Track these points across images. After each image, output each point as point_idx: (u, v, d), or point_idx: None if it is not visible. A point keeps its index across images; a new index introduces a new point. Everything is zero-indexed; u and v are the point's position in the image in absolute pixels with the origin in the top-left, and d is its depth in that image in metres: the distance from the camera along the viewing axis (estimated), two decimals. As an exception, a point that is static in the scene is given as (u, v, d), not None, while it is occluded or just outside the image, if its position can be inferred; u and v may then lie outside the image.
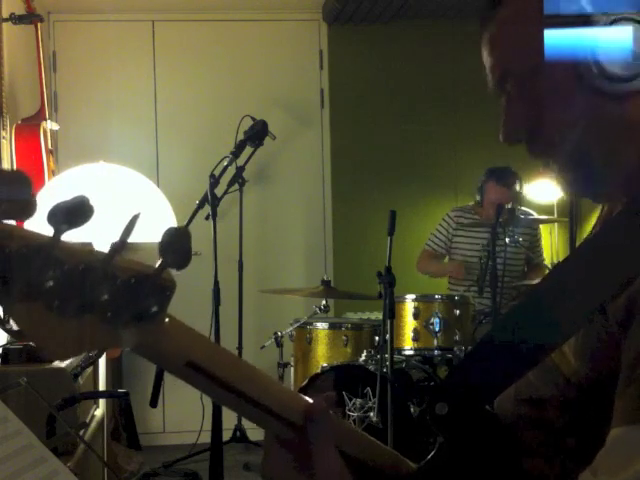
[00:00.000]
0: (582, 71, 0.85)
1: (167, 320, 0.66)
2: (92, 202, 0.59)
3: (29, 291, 0.57)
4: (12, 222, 0.58)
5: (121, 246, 0.60)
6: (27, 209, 0.57)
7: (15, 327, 0.58)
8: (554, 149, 0.91)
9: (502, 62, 0.93)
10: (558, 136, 0.90)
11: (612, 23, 0.84)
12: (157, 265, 0.62)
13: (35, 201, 0.58)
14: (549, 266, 4.33)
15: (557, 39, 0.86)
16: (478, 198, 4.17)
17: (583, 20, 0.85)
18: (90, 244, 0.63)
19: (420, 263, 4.35)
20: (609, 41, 0.84)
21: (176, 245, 0.62)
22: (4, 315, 0.59)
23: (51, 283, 0.57)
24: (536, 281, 4.03)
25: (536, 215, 4.21)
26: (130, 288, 0.61)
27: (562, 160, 0.92)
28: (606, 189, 0.93)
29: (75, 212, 0.57)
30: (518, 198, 4.09)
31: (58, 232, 0.57)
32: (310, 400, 0.80)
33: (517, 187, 4.06)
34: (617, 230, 0.86)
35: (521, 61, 0.90)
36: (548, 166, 0.95)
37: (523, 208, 4.16)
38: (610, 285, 0.81)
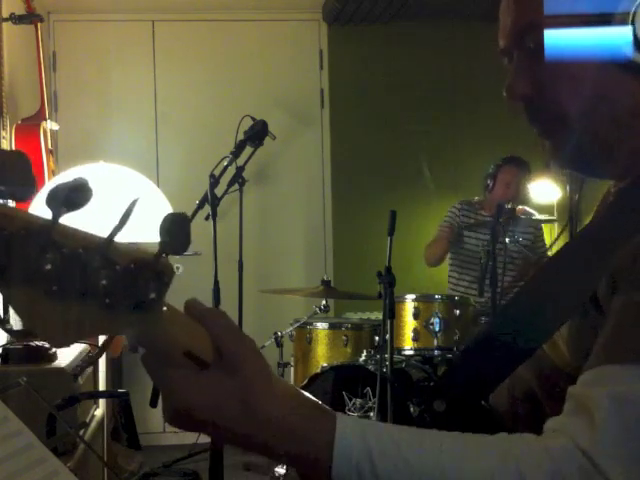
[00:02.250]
0: (617, 42, 0.82)
1: (166, 309, 0.66)
2: (91, 184, 0.58)
3: (27, 275, 0.56)
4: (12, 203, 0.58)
5: (119, 229, 0.59)
6: (26, 190, 0.57)
7: (15, 322, 0.58)
8: (561, 116, 0.88)
9: (529, 14, 0.89)
10: (570, 103, 0.87)
11: None
12: (157, 252, 0.62)
13: (34, 181, 0.57)
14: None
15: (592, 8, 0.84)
16: (489, 182, 4.12)
17: None
18: None
19: (425, 254, 4.25)
20: None
21: (174, 230, 0.61)
22: (4, 309, 0.58)
23: (49, 267, 0.56)
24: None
25: (537, 215, 4.20)
26: (129, 274, 0.60)
27: (566, 129, 0.89)
28: (602, 167, 0.91)
29: (74, 194, 0.57)
30: (525, 193, 4.07)
31: (57, 214, 0.57)
32: (309, 395, 0.80)
33: (527, 180, 4.06)
34: (608, 220, 0.85)
35: (549, 16, 0.86)
36: (546, 133, 0.92)
37: (526, 208, 4.15)
38: (599, 274, 0.81)
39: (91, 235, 0.60)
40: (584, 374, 0.76)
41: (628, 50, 0.83)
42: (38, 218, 0.57)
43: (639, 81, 0.85)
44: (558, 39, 0.86)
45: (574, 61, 0.87)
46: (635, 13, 0.83)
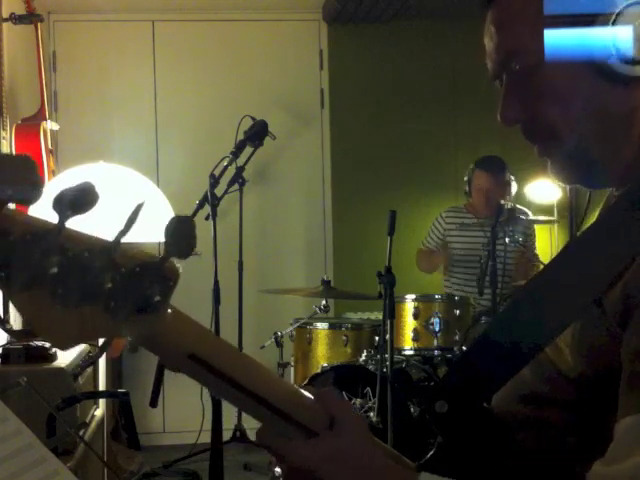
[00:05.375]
0: (598, 54, 0.84)
1: (170, 311, 0.66)
2: (96, 189, 0.58)
3: (33, 278, 0.57)
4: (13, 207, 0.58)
5: (125, 233, 0.59)
6: (33, 193, 0.57)
7: (15, 322, 0.58)
8: (555, 135, 0.90)
9: (511, 40, 0.90)
10: (562, 122, 0.88)
11: (629, 6, 0.83)
12: (161, 255, 0.62)
13: (42, 185, 0.57)
14: (544, 262, 4.31)
15: (573, 22, 0.85)
16: (467, 189, 4.16)
17: (599, 4, 0.84)
18: None
19: (417, 262, 4.37)
20: (627, 24, 0.83)
21: (179, 233, 0.61)
22: (4, 309, 0.59)
23: (55, 270, 0.57)
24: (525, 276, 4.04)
25: (530, 214, 4.21)
26: (134, 277, 0.60)
27: (562, 147, 0.90)
28: (604, 177, 0.92)
29: (80, 198, 0.57)
30: (508, 188, 4.04)
31: (63, 218, 0.57)
32: (310, 395, 0.80)
33: (506, 176, 4.04)
34: (609, 223, 0.86)
35: (533, 40, 0.87)
36: (544, 152, 0.93)
37: (518, 206, 4.15)
38: (604, 276, 0.81)
39: (97, 238, 0.60)
40: (629, 419, 0.76)
41: (615, 61, 0.84)
42: (44, 222, 0.58)
43: (628, 90, 0.86)
44: (543, 59, 0.87)
45: (562, 78, 0.87)
46: (619, 26, 0.83)
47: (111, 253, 0.59)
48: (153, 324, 0.63)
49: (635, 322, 0.78)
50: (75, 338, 0.60)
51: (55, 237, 0.57)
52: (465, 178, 4.17)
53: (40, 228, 0.57)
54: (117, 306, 0.60)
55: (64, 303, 0.58)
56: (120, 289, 0.60)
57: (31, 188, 0.57)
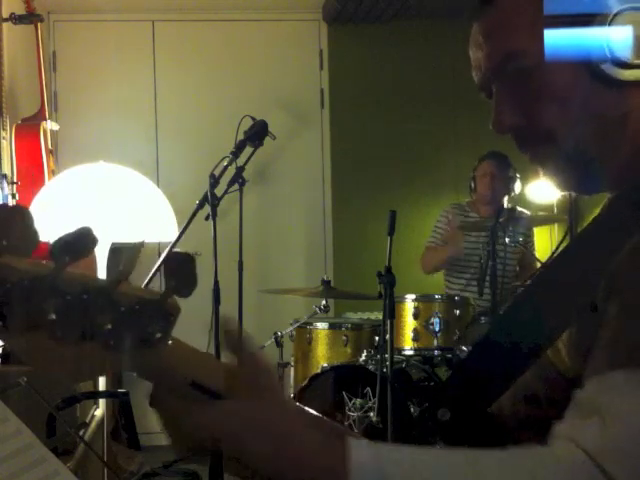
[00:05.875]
0: (592, 58, 0.83)
1: (171, 343, 0.66)
2: (95, 234, 0.58)
3: (32, 322, 0.57)
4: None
5: (125, 274, 0.59)
6: (29, 243, 0.57)
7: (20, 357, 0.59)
8: (554, 136, 0.89)
9: (508, 42, 0.89)
10: (561, 123, 0.88)
11: (623, 11, 0.83)
12: (162, 292, 0.61)
13: (37, 234, 0.58)
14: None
15: (569, 23, 0.85)
16: (472, 184, 4.15)
17: (593, 7, 0.84)
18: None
19: (423, 261, 4.31)
20: (621, 28, 0.83)
21: (180, 272, 0.61)
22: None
23: (53, 315, 0.57)
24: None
25: (529, 214, 4.21)
26: (133, 315, 0.60)
27: (560, 149, 0.89)
28: (602, 179, 0.92)
29: (77, 244, 0.57)
30: (512, 182, 4.03)
31: (60, 264, 0.57)
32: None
33: (510, 171, 4.03)
34: (603, 226, 0.86)
35: (530, 41, 0.87)
36: (538, 157, 0.92)
37: (519, 208, 4.15)
38: (597, 280, 0.81)
39: (95, 279, 0.60)
40: (591, 380, 0.75)
41: (608, 65, 0.84)
42: (42, 267, 0.58)
43: (621, 93, 0.86)
44: (540, 61, 0.86)
45: (560, 79, 0.87)
46: (613, 29, 0.83)
47: (110, 292, 0.59)
48: (153, 358, 0.63)
49: (615, 297, 0.77)
50: (76, 376, 0.61)
51: (53, 281, 0.57)
52: (471, 174, 4.17)
53: (37, 274, 0.57)
54: (116, 343, 0.60)
55: (62, 344, 0.58)
56: (119, 328, 0.60)
57: (25, 238, 0.57)
